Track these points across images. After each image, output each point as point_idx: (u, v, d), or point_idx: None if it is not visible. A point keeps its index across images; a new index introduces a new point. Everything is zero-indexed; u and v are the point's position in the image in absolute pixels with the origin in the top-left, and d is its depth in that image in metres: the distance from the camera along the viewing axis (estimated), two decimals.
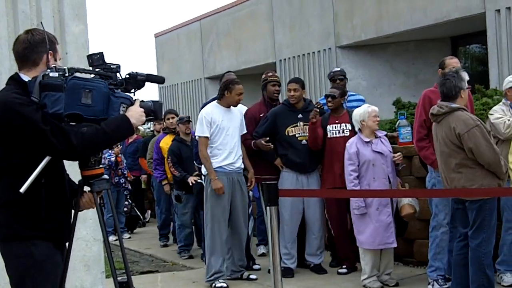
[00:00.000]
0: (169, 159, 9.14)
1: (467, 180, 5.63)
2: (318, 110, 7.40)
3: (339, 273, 7.53)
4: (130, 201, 11.89)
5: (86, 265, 5.37)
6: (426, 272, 6.70)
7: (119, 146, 11.00)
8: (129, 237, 11.45)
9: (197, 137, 7.54)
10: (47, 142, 3.37)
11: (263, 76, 8.09)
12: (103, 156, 10.50)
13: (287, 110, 7.65)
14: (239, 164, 7.36)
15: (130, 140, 11.90)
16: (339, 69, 8.69)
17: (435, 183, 6.49)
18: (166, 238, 10.53)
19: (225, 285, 7.13)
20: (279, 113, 7.64)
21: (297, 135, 7.54)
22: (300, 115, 7.59)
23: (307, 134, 7.48)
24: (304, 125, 7.54)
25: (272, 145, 7.54)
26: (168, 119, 9.69)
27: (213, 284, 7.16)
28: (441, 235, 6.47)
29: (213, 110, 7.36)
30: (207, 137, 7.24)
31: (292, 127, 7.56)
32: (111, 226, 11.12)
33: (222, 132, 7.26)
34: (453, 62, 6.63)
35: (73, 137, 3.39)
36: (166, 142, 9.57)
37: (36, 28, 3.71)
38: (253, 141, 7.57)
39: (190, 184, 8.77)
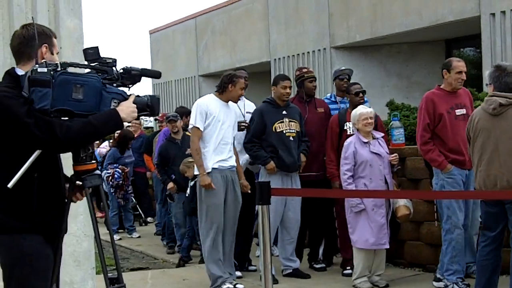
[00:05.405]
0: (155, 160, 9.15)
1: None
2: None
3: (343, 275, 7.38)
4: (134, 199, 11.86)
5: (76, 261, 5.35)
6: (436, 274, 6.59)
7: (127, 167, 11.17)
8: (139, 236, 11.22)
9: (189, 128, 7.20)
10: (29, 134, 3.35)
11: (297, 72, 7.99)
12: (109, 171, 10.76)
13: (271, 107, 7.43)
14: (232, 162, 7.03)
15: (135, 136, 11.90)
16: (345, 68, 8.56)
17: (444, 185, 6.40)
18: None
19: (231, 286, 6.84)
20: (264, 110, 7.42)
21: (284, 131, 7.34)
22: (284, 112, 7.39)
23: (294, 130, 7.36)
24: (289, 121, 7.37)
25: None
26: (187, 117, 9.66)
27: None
28: (457, 237, 6.34)
29: (210, 101, 7.02)
30: (200, 129, 6.90)
31: (278, 123, 7.33)
32: (116, 225, 11.13)
33: (218, 124, 6.91)
34: (460, 66, 6.61)
35: (57, 128, 3.37)
36: None
37: (32, 23, 3.70)
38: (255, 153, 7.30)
39: (167, 192, 8.88)
